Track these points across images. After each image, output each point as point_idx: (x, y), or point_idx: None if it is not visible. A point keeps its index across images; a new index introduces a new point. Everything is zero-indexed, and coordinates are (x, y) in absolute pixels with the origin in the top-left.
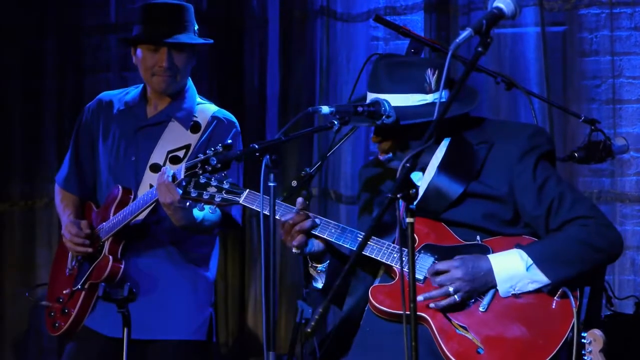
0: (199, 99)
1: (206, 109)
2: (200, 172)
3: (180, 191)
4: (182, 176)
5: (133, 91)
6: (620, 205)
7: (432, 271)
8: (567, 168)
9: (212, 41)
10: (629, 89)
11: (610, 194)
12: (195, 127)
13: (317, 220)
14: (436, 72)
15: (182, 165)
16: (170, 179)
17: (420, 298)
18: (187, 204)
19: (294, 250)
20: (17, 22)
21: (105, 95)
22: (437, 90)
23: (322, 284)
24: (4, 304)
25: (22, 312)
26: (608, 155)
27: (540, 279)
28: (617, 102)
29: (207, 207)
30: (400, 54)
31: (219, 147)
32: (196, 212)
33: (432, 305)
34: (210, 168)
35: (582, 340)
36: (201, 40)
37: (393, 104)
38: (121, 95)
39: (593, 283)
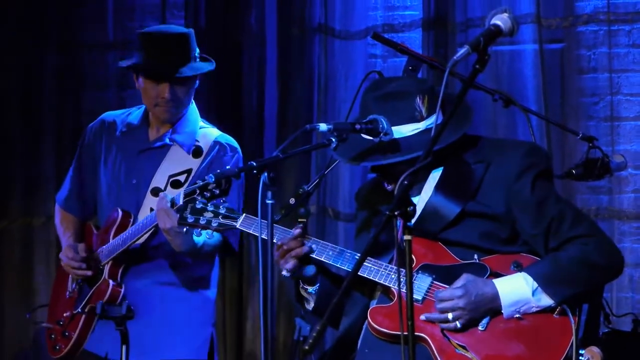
0: (201, 123)
1: (209, 133)
2: (199, 198)
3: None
4: (181, 202)
5: (135, 112)
6: (618, 223)
7: (436, 298)
8: (565, 185)
9: (213, 67)
10: (627, 106)
11: (608, 211)
12: (197, 152)
13: (314, 246)
14: (425, 98)
15: (181, 191)
16: (169, 204)
17: (422, 317)
18: (185, 229)
19: (283, 272)
20: (17, 39)
21: (108, 115)
22: (429, 115)
23: (312, 306)
24: (2, 322)
25: (20, 330)
26: (606, 172)
27: (545, 302)
28: (615, 120)
29: (204, 232)
30: (394, 77)
31: (211, 176)
32: (196, 238)
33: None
34: (209, 194)
35: (580, 358)
36: (204, 69)
37: (394, 137)
38: (124, 117)
39: (591, 300)
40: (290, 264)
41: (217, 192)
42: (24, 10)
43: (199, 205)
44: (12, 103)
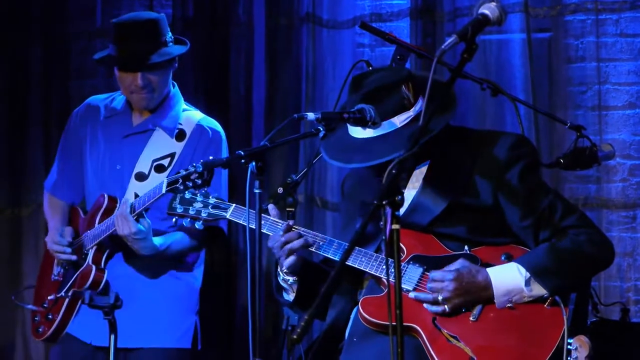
0: (184, 106)
1: (191, 116)
2: (182, 187)
3: (138, 226)
4: (164, 190)
5: (119, 97)
6: (607, 212)
7: (429, 277)
8: (553, 174)
9: (186, 48)
10: (615, 95)
11: (596, 200)
12: (180, 135)
13: (310, 239)
14: (409, 84)
15: (164, 180)
16: (128, 209)
17: (411, 295)
18: (174, 219)
19: (285, 267)
20: (2, 28)
21: (93, 100)
22: (416, 100)
23: (292, 296)
24: None
25: (9, 319)
26: (594, 161)
27: (538, 291)
28: (603, 109)
29: (166, 238)
30: (369, 71)
31: (199, 165)
32: (157, 240)
33: (424, 305)
34: (191, 184)
35: (569, 347)
36: (174, 53)
37: (382, 132)
38: (107, 101)
39: (579, 290)
40: (289, 260)
41: (199, 182)
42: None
43: (188, 196)
44: None
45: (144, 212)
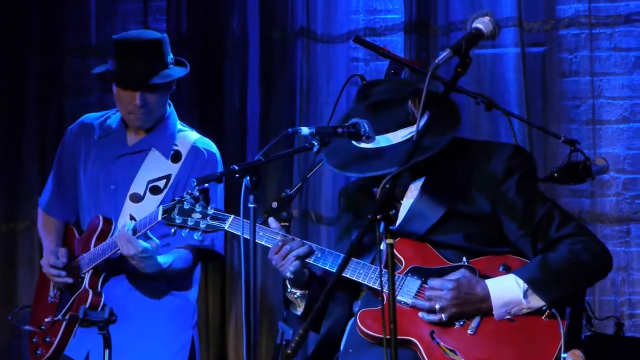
0: (180, 126)
1: (187, 137)
2: (177, 213)
3: (143, 244)
4: (159, 218)
5: (114, 116)
6: (601, 226)
7: (428, 285)
8: (547, 188)
9: (187, 71)
10: (609, 110)
11: (590, 214)
12: (175, 157)
13: (314, 246)
14: (416, 100)
15: (160, 207)
16: (130, 232)
17: (408, 301)
18: (173, 230)
19: (287, 274)
20: None
21: (87, 118)
22: (422, 116)
23: (300, 310)
24: None
25: (3, 335)
26: (588, 175)
27: (536, 303)
28: (597, 123)
29: (169, 253)
30: (377, 80)
31: (195, 191)
32: (161, 259)
33: (420, 314)
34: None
35: None
36: (175, 75)
37: (382, 144)
38: (102, 120)
39: (573, 303)
40: (295, 265)
41: (198, 208)
42: (5, 15)
43: (187, 206)
44: None
45: (149, 232)
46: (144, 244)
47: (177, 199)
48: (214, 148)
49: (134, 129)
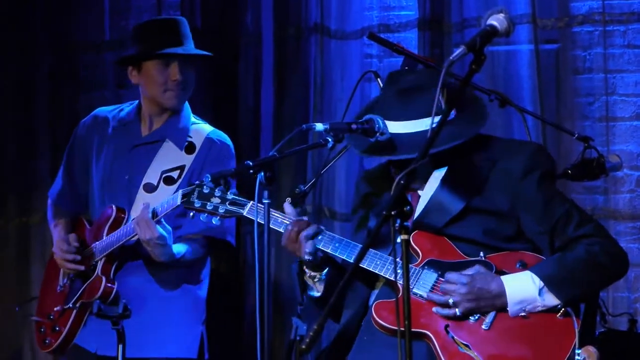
0: (193, 119)
1: (201, 129)
2: (197, 199)
3: (160, 230)
4: (179, 202)
5: (127, 108)
6: (614, 223)
7: (444, 278)
8: (560, 185)
9: (211, 54)
10: (622, 107)
11: (603, 211)
12: (189, 148)
13: (322, 231)
14: (445, 91)
15: (179, 192)
16: (150, 215)
17: (423, 294)
18: (192, 214)
19: (305, 257)
20: (11, 39)
21: (101, 111)
22: (449, 109)
23: (318, 293)
24: None
25: (16, 328)
26: (601, 172)
27: (551, 301)
28: (610, 120)
29: (182, 243)
30: (411, 70)
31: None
32: (176, 248)
33: (433, 309)
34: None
35: (577, 357)
36: (206, 53)
37: (406, 130)
38: (115, 112)
39: (589, 300)
40: (309, 245)
41: (218, 192)
42: (18, 10)
43: (206, 190)
44: (7, 103)
45: (162, 220)
46: (161, 230)
47: (196, 182)
48: (227, 140)
49: (148, 120)
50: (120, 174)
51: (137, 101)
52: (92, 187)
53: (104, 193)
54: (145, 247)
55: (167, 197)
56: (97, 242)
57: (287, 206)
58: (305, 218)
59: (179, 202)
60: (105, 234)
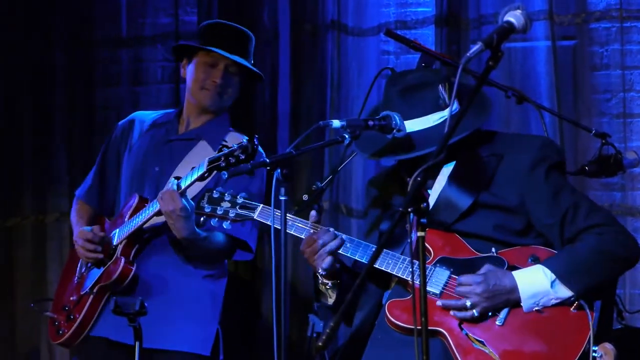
0: (231, 128)
1: (238, 136)
2: (224, 164)
3: (183, 201)
4: (205, 168)
5: (166, 113)
6: (631, 219)
7: (457, 281)
8: (578, 182)
9: (262, 75)
10: None
11: (621, 207)
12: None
13: (344, 237)
14: (447, 86)
15: (206, 159)
16: (174, 187)
17: (439, 303)
18: (202, 219)
19: (319, 271)
20: (27, 36)
21: (139, 114)
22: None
23: (332, 301)
24: (15, 319)
25: (33, 326)
26: (619, 169)
27: (564, 293)
28: (627, 116)
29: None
30: (409, 70)
31: (244, 141)
32: (198, 228)
33: (451, 312)
34: (234, 160)
35: (593, 354)
36: (256, 70)
37: (414, 128)
38: (154, 116)
39: (604, 296)
40: (327, 261)
41: (243, 156)
42: (35, 6)
43: (216, 195)
44: (23, 100)
45: (186, 194)
46: (184, 201)
47: (224, 149)
48: (260, 149)
49: (186, 121)
50: (151, 165)
51: (178, 109)
52: (121, 180)
53: (132, 184)
54: (168, 221)
55: (193, 194)
56: (117, 229)
57: (314, 215)
58: (331, 230)
59: (205, 169)
60: (126, 219)
